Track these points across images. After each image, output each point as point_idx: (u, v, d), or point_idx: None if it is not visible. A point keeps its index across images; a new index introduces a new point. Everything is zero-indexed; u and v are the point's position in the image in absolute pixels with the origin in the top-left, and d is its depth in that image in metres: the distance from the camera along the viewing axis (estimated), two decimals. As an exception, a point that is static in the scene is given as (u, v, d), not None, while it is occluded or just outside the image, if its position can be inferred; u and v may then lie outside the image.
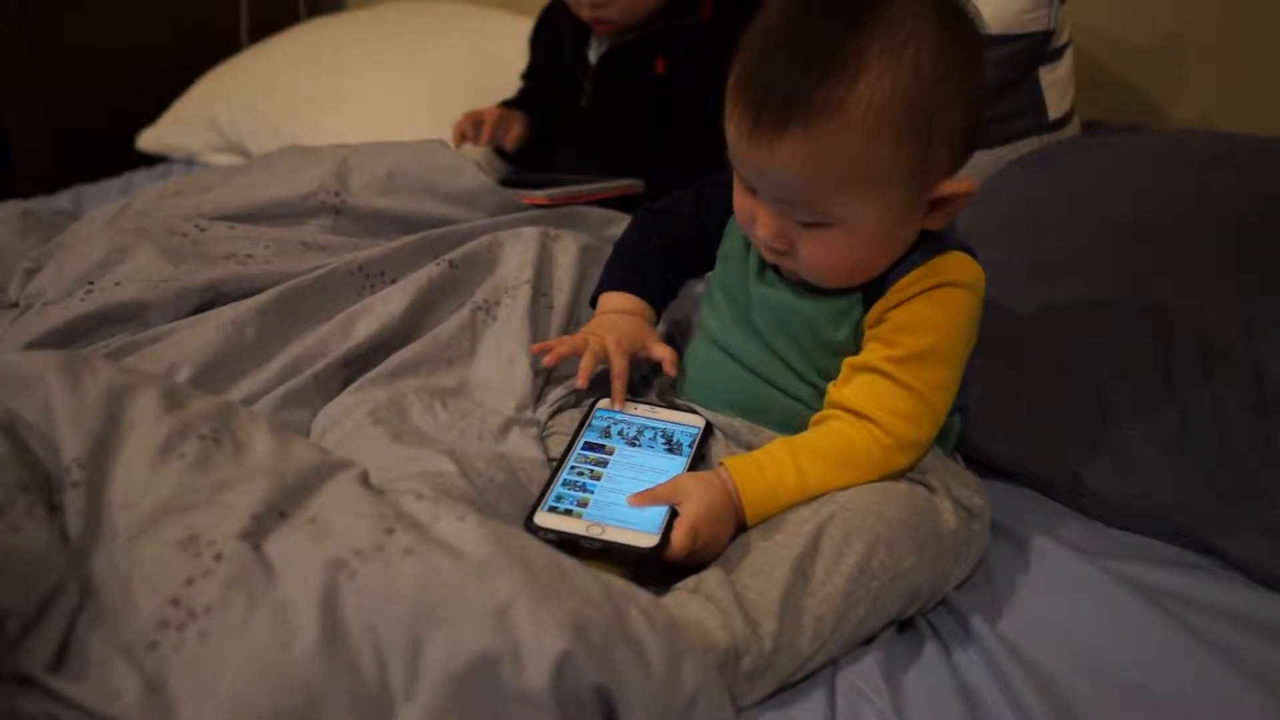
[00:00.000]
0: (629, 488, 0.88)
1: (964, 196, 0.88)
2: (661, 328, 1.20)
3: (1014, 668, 0.80)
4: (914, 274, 0.90)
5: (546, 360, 1.00)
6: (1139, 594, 0.87)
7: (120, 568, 0.68)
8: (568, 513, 0.86)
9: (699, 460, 0.95)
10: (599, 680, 0.65)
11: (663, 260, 1.10)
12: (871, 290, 0.92)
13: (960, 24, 0.86)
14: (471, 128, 1.61)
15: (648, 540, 0.83)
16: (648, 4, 1.49)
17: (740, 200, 0.92)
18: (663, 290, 1.11)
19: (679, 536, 0.83)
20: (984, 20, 0.88)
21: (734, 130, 0.87)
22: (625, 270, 1.10)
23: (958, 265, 0.91)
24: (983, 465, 1.04)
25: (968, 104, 0.86)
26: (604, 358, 1.00)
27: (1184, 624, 0.84)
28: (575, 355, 1.00)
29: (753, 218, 0.91)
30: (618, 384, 0.99)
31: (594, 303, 1.11)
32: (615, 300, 1.08)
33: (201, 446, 0.77)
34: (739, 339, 0.99)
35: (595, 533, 0.83)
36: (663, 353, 1.01)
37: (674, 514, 0.85)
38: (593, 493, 0.88)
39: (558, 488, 0.89)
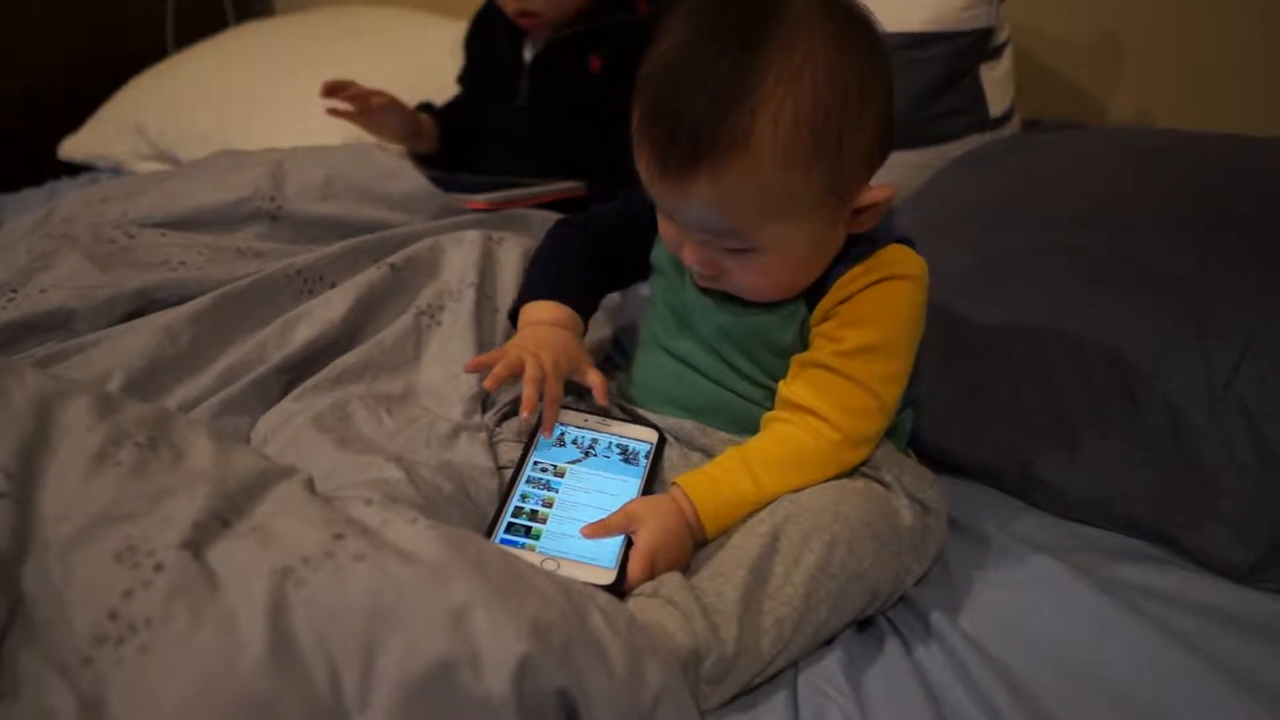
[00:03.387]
0: (583, 514, 0.86)
1: (885, 202, 0.87)
2: (608, 332, 1.18)
3: (976, 662, 0.80)
4: (855, 270, 0.89)
5: (488, 383, 0.91)
6: (1096, 585, 0.87)
7: (53, 581, 0.65)
8: (521, 545, 0.84)
9: (653, 477, 0.93)
10: (561, 683, 0.64)
11: (586, 271, 1.06)
12: (814, 291, 0.91)
13: (856, 30, 0.83)
14: (333, 91, 1.54)
15: (604, 576, 0.81)
16: None
17: (665, 227, 0.91)
18: (588, 300, 1.06)
19: (635, 568, 0.81)
20: (879, 20, 0.86)
21: (645, 171, 0.85)
22: (548, 279, 1.05)
23: (900, 258, 0.91)
24: (935, 461, 1.04)
25: (876, 111, 0.84)
26: (542, 380, 0.93)
27: (1143, 614, 0.84)
28: (514, 375, 0.93)
29: (679, 244, 0.89)
30: (551, 411, 0.93)
31: (513, 316, 1.05)
32: (541, 311, 1.01)
33: (138, 454, 0.73)
34: (685, 346, 0.98)
35: (550, 567, 0.80)
36: (595, 380, 0.97)
37: (630, 542, 0.83)
38: (545, 521, 0.86)
39: (509, 515, 0.86)
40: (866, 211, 0.88)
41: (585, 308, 1.04)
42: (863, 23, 0.84)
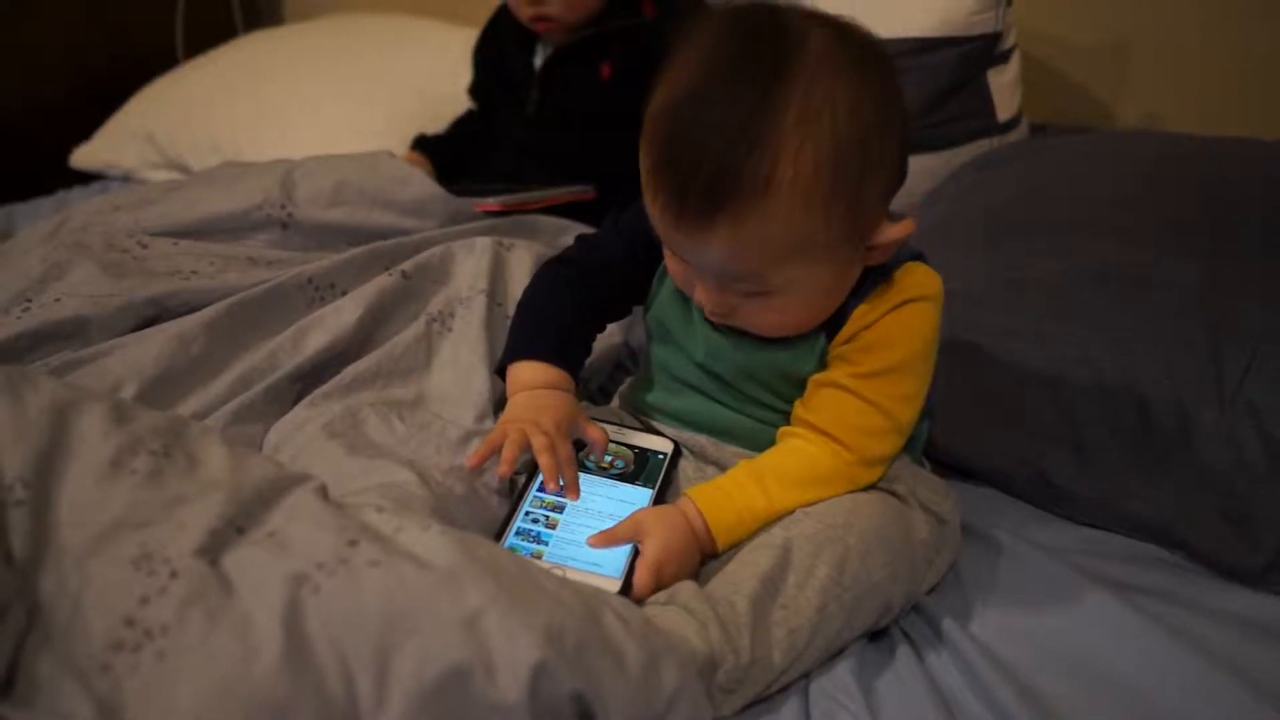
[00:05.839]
0: (593, 523, 0.86)
1: (903, 238, 0.85)
2: (619, 339, 1.18)
3: (988, 669, 0.80)
4: (873, 298, 0.87)
5: (501, 470, 0.88)
6: (1108, 589, 0.87)
7: (70, 588, 0.65)
8: (528, 552, 0.83)
9: (667, 486, 0.92)
10: (575, 687, 0.64)
11: (576, 318, 1.01)
12: (832, 323, 0.89)
13: (873, 64, 0.81)
14: None
15: (610, 586, 0.81)
16: (589, 1, 1.48)
17: (675, 266, 0.89)
18: (579, 352, 1.00)
19: (641, 577, 0.81)
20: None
21: (659, 215, 0.82)
22: (536, 335, 0.99)
23: (917, 279, 0.89)
24: (945, 466, 1.04)
25: (893, 148, 0.82)
26: (552, 446, 0.89)
27: (1154, 618, 0.84)
28: (524, 451, 0.89)
29: (690, 284, 0.88)
30: (570, 471, 0.89)
31: (501, 372, 0.99)
32: (531, 374, 0.96)
33: (153, 462, 0.74)
34: (698, 377, 0.96)
35: (556, 575, 0.81)
36: (595, 435, 0.93)
37: (637, 552, 0.83)
38: (555, 528, 0.86)
39: (517, 524, 0.86)
40: (881, 246, 0.85)
41: (574, 360, 0.99)
42: (877, 55, 0.82)
